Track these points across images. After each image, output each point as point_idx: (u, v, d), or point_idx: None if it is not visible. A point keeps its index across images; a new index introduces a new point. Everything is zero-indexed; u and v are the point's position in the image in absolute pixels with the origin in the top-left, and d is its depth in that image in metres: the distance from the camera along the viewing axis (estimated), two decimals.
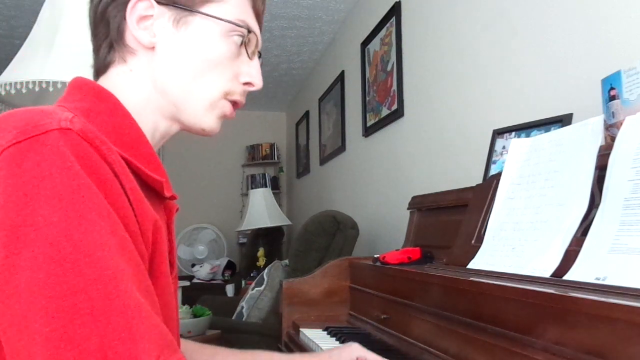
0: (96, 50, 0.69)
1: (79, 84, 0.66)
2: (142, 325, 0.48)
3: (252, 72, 0.72)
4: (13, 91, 1.40)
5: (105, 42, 0.68)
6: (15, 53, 1.54)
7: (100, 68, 0.69)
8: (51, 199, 0.48)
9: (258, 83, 0.73)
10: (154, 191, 0.66)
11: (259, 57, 0.74)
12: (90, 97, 0.64)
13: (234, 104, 0.72)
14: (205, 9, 0.68)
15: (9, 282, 0.46)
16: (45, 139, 0.50)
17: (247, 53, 0.72)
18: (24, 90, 1.40)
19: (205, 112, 0.70)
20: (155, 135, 0.70)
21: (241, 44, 0.70)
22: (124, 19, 0.66)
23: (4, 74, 1.48)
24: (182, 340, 0.89)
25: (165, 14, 0.67)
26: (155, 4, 0.66)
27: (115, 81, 0.68)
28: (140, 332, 0.48)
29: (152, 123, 0.69)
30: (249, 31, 0.71)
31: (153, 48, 0.67)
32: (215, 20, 0.68)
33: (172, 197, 0.70)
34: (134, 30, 0.66)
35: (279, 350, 1.57)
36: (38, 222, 0.47)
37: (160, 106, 0.69)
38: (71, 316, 0.46)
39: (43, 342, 0.45)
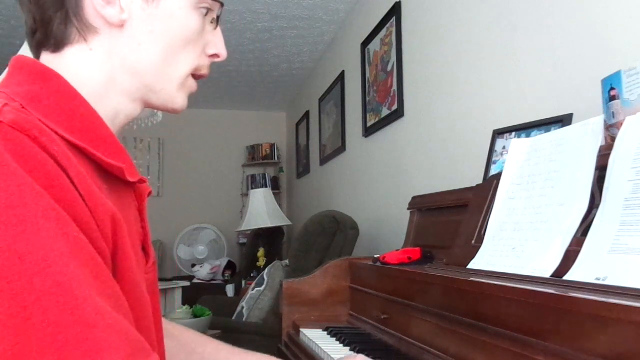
0: (42, 22, 0.60)
1: (19, 64, 0.59)
2: (105, 332, 0.43)
3: (217, 42, 0.69)
4: None
5: (57, 15, 0.60)
6: (15, 53, 1.54)
7: (48, 43, 0.61)
8: None
9: (224, 53, 0.70)
10: (117, 177, 0.60)
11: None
12: (33, 79, 0.57)
13: (199, 76, 0.69)
14: None
15: None
16: None
17: (215, 23, 0.68)
18: None
19: (177, 92, 0.66)
20: (117, 118, 0.64)
21: (206, 14, 0.67)
22: None
23: (4, 74, 1.48)
24: (183, 329, 0.86)
25: None
26: None
27: (70, 61, 0.61)
28: (104, 341, 0.43)
29: (114, 105, 0.63)
30: (221, 3, 0.67)
31: (121, 25, 0.61)
32: None
33: (141, 181, 0.65)
34: (100, 7, 0.59)
35: (279, 350, 1.57)
36: None
37: (126, 87, 0.63)
38: (24, 333, 0.41)
39: None
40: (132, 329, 0.47)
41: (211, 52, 0.69)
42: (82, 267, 0.45)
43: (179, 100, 0.67)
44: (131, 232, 0.59)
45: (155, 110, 2.14)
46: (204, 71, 0.69)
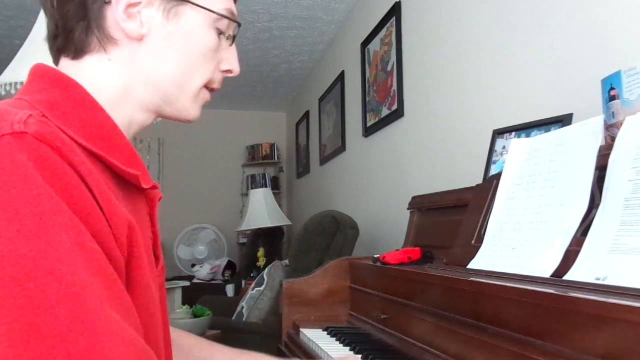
0: (64, 30, 0.62)
1: (40, 73, 0.61)
2: (113, 342, 0.44)
3: (231, 59, 0.71)
4: (13, 91, 1.41)
5: (80, 24, 0.62)
6: (15, 53, 1.54)
7: (68, 49, 0.63)
8: (7, 213, 0.44)
9: (237, 70, 0.72)
10: (131, 183, 0.62)
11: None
12: (53, 87, 0.59)
13: (212, 89, 0.72)
14: None
15: None
16: None
17: (231, 40, 0.71)
18: None
19: (191, 104, 0.69)
20: (131, 127, 0.66)
21: (225, 34, 0.69)
22: (105, 3, 0.61)
23: (4, 74, 1.48)
24: (183, 334, 0.88)
25: (154, 3, 0.63)
26: None
27: (89, 69, 0.63)
28: (111, 351, 0.44)
29: (128, 115, 0.65)
30: (238, 23, 0.69)
31: (140, 39, 0.63)
32: (205, 11, 0.66)
33: (153, 187, 0.66)
34: (122, 21, 0.62)
35: (279, 350, 1.57)
36: None
37: (141, 98, 0.65)
38: (36, 339, 0.42)
39: None
40: (140, 339, 0.48)
41: (225, 67, 0.71)
42: (94, 277, 0.46)
43: (192, 111, 0.70)
44: (143, 237, 0.60)
45: None
46: (216, 85, 0.72)
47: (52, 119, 0.53)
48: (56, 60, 0.65)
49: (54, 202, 0.46)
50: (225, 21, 0.68)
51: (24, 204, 0.45)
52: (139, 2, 0.62)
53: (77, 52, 0.63)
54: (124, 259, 0.53)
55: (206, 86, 0.70)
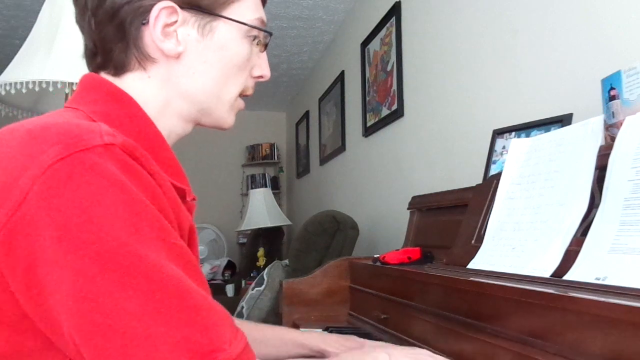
0: (104, 50, 0.65)
1: (93, 84, 0.64)
2: (214, 315, 0.52)
3: (262, 65, 0.75)
4: (13, 91, 1.40)
5: (118, 46, 0.64)
6: (15, 53, 1.54)
7: (109, 67, 0.66)
8: (110, 216, 0.48)
9: (268, 74, 0.76)
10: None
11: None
12: (108, 100, 0.62)
13: (245, 96, 0.75)
14: (228, 12, 0.67)
15: (96, 300, 0.47)
16: (91, 155, 0.50)
17: (262, 46, 0.74)
18: (24, 90, 1.40)
19: (228, 113, 0.72)
20: (170, 137, 0.70)
21: (255, 41, 0.72)
22: (142, 24, 0.63)
23: (4, 74, 1.48)
24: None
25: (189, 20, 0.65)
26: (179, 9, 0.64)
27: (130, 86, 0.65)
28: (214, 322, 0.51)
29: (168, 126, 0.69)
30: (270, 33, 0.72)
31: (177, 57, 0.66)
32: (237, 24, 0.68)
33: (193, 199, 0.70)
34: (159, 41, 0.64)
35: None
36: (105, 240, 0.48)
37: (181, 110, 0.69)
38: (156, 321, 0.48)
39: (139, 342, 0.47)
40: (227, 311, 0.55)
41: (257, 73, 0.74)
42: (181, 267, 0.52)
43: (229, 120, 0.73)
44: None
45: None
46: (250, 91, 0.74)
47: None
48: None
49: (145, 206, 0.51)
50: (268, 35, 0.72)
51: (122, 207, 0.49)
52: (175, 22, 0.64)
53: (118, 70, 0.65)
54: None
55: (240, 94, 0.73)
